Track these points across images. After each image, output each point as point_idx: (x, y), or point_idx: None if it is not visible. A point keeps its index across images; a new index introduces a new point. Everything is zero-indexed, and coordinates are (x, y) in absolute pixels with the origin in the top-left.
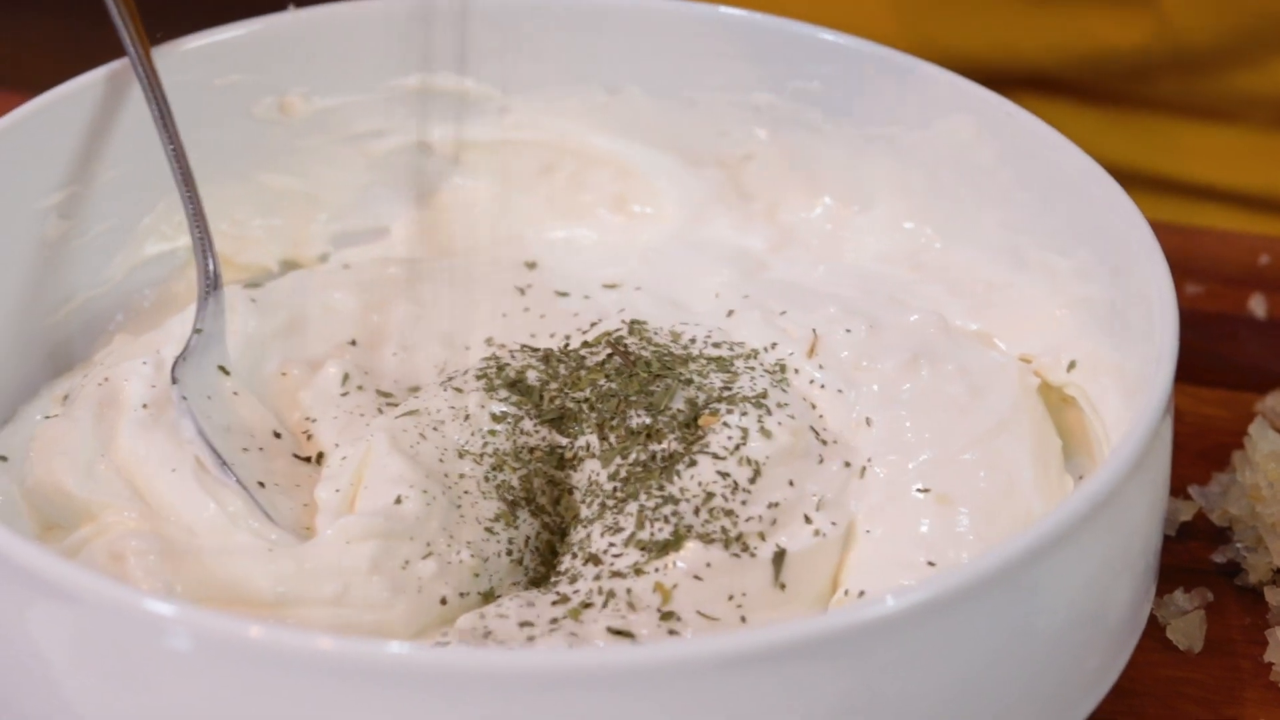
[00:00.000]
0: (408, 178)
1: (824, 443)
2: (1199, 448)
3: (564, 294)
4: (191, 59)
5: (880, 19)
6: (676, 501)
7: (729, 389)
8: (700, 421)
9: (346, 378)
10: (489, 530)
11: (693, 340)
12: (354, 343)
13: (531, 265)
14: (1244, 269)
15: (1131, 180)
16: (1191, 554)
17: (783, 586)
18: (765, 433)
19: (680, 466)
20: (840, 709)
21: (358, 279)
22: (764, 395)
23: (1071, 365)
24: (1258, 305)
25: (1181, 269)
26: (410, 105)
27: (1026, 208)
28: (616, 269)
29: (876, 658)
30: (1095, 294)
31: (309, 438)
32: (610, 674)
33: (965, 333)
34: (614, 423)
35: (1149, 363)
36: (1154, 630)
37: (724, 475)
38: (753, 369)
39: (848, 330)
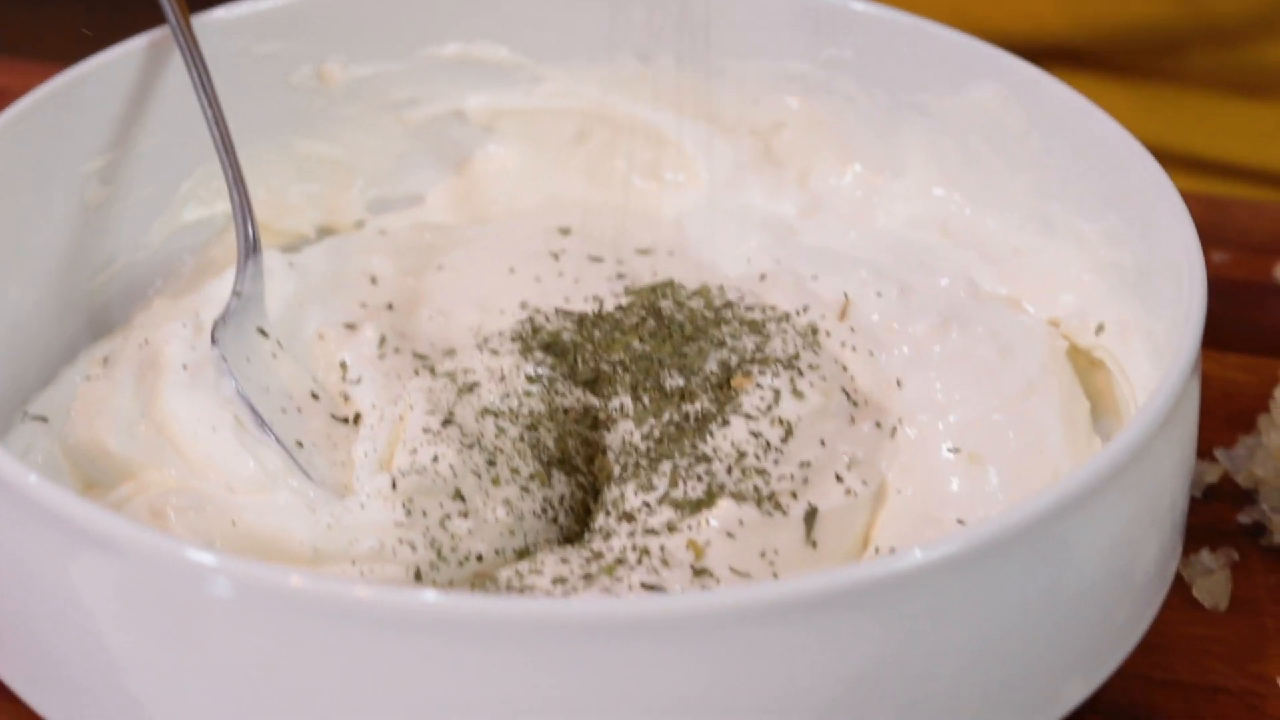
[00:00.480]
0: (443, 145)
1: (855, 404)
2: (1225, 412)
3: (598, 259)
4: (231, 28)
5: None
6: (709, 460)
7: (761, 351)
8: (733, 383)
9: (384, 340)
10: (524, 489)
11: (726, 304)
12: (390, 307)
13: (565, 231)
14: (1272, 238)
15: (1160, 157)
16: (1217, 515)
17: (814, 544)
18: (797, 393)
19: (713, 426)
20: (870, 660)
21: (394, 244)
22: (796, 357)
23: (1100, 329)
24: None
25: (1209, 237)
26: (446, 74)
27: (1055, 173)
28: (650, 235)
29: (905, 609)
30: (1123, 258)
31: (346, 399)
32: (641, 623)
33: (994, 297)
34: (648, 384)
35: (1177, 324)
36: (1181, 589)
37: (756, 435)
38: (785, 331)
39: (878, 294)
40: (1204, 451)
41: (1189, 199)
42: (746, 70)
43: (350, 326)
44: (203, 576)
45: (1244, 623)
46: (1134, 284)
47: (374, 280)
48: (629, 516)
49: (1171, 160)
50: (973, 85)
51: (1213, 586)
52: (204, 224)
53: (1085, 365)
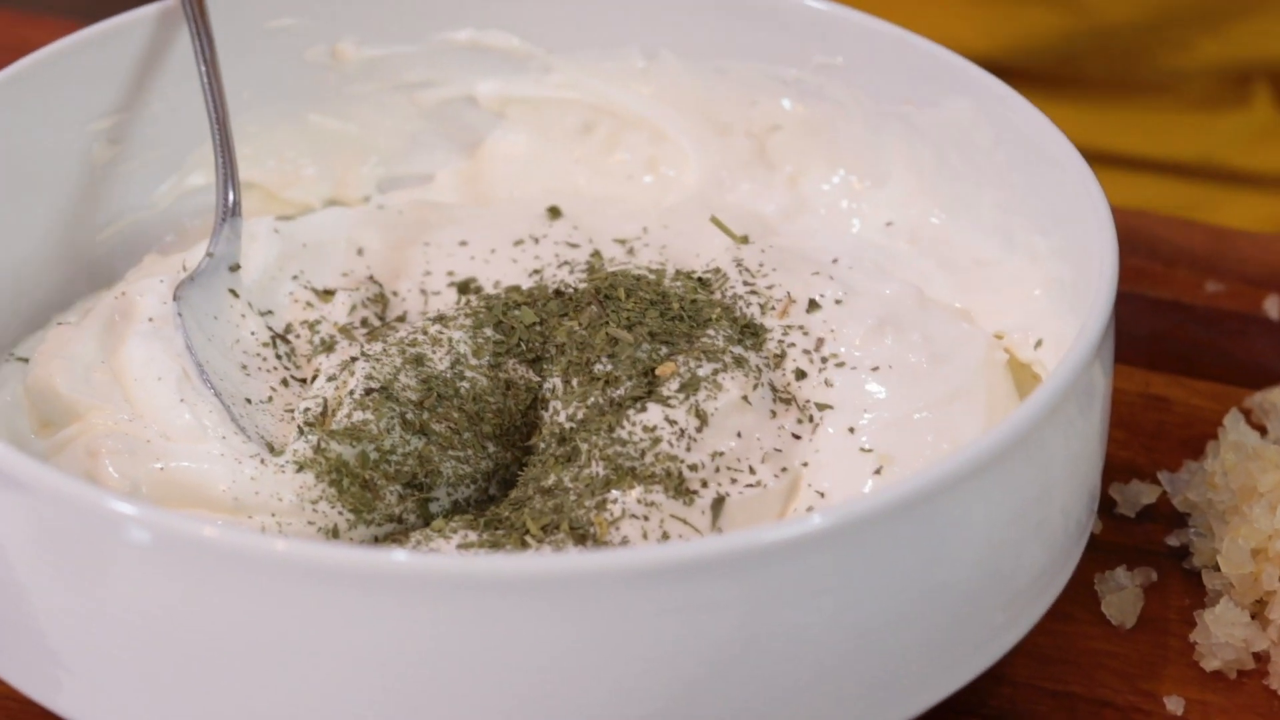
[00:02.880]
0: (454, 128)
1: (782, 400)
2: (1181, 437)
3: (575, 245)
4: (247, 2)
5: None
6: (624, 443)
7: (692, 342)
8: (657, 371)
9: (354, 309)
10: (457, 459)
11: (670, 295)
12: (371, 278)
13: (556, 213)
14: (1269, 270)
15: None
16: (1147, 536)
17: (720, 531)
18: (716, 385)
19: (631, 411)
20: (734, 632)
21: (386, 219)
22: (723, 350)
23: (1039, 344)
24: (1272, 306)
25: (1206, 266)
26: (459, 59)
27: (1017, 189)
28: (633, 226)
29: (769, 583)
30: (1065, 274)
31: (309, 361)
32: (510, 581)
33: (943, 306)
34: (579, 368)
35: (1081, 331)
36: (1091, 603)
37: (671, 422)
38: (721, 325)
39: (822, 295)
40: (1147, 474)
41: (1191, 227)
42: (746, 72)
43: (326, 293)
44: (116, 523)
45: (1147, 641)
46: (1070, 299)
47: (360, 251)
48: (545, 492)
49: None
50: (949, 99)
51: (1121, 603)
52: (211, 189)
53: (1028, 379)
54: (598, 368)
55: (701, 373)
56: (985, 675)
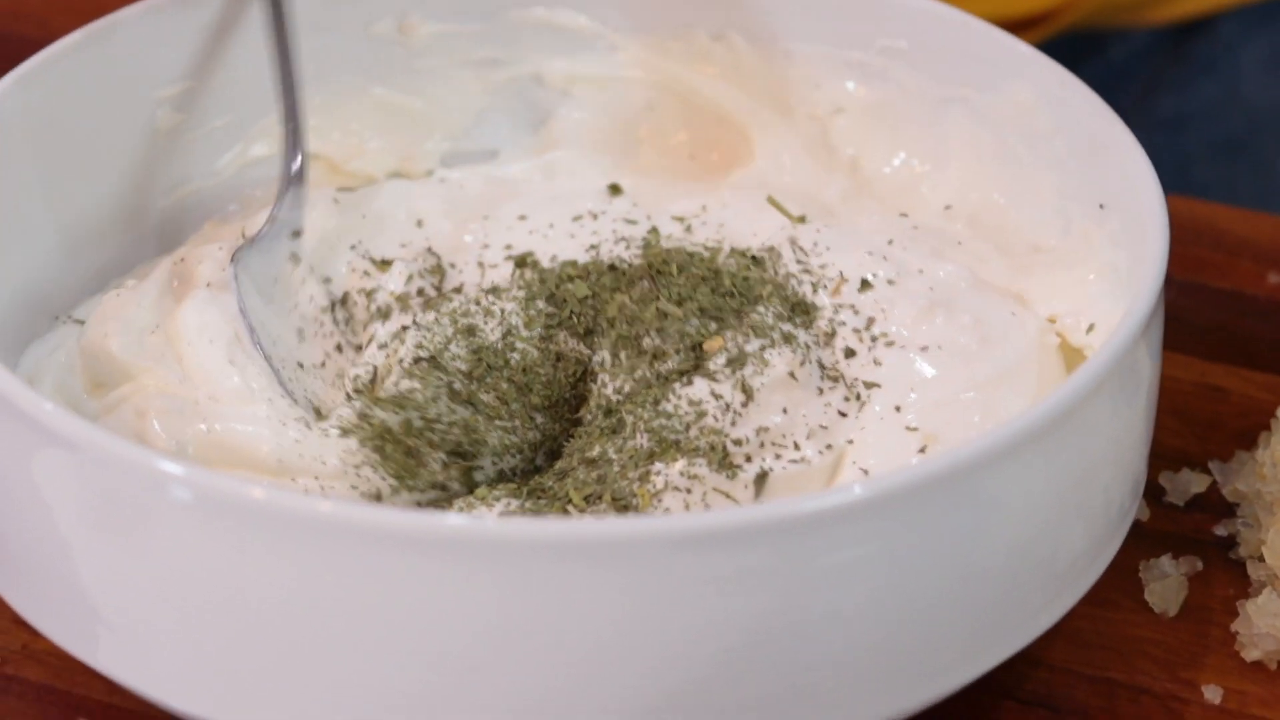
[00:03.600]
0: (520, 106)
1: (830, 378)
2: (1237, 427)
3: (633, 221)
4: None
5: None
6: (670, 416)
7: (742, 318)
8: (705, 346)
9: (410, 279)
10: (504, 430)
11: (721, 272)
12: (430, 249)
13: (616, 190)
14: None
15: None
16: (1195, 525)
17: None
18: (763, 360)
19: (678, 385)
20: (774, 601)
21: (447, 192)
22: (772, 326)
23: (1090, 328)
24: None
25: (1270, 259)
26: (526, 37)
27: (1076, 174)
28: (691, 203)
29: (808, 552)
30: (1119, 260)
31: (365, 328)
32: (554, 545)
33: (996, 289)
34: (629, 341)
35: (1128, 314)
36: (1135, 590)
37: (717, 396)
38: (772, 302)
39: (874, 274)
40: (1199, 463)
41: (1254, 217)
42: (811, 54)
43: (384, 263)
44: (161, 482)
45: (1189, 630)
46: (1124, 285)
47: (420, 223)
48: (590, 463)
49: None
50: (1009, 83)
51: (1165, 591)
52: (274, 160)
53: (1080, 363)
54: (646, 341)
55: (749, 349)
56: (1023, 658)
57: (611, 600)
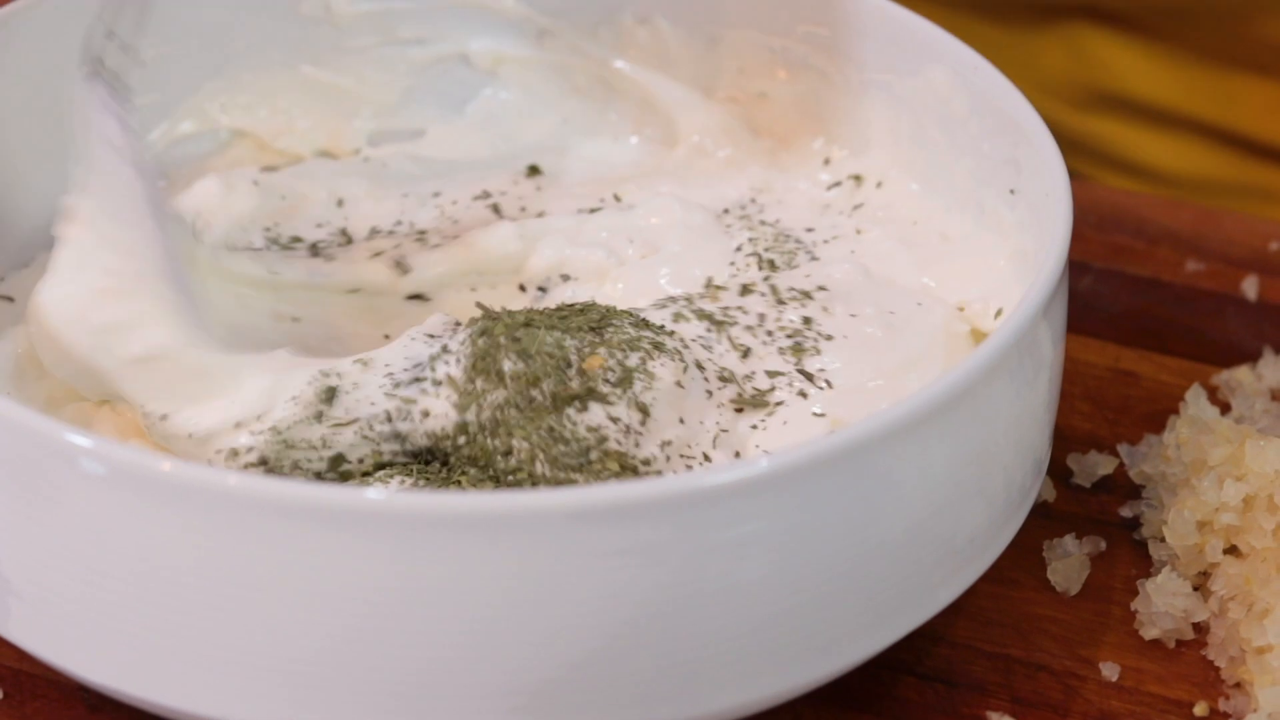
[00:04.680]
0: (446, 85)
1: (721, 379)
2: (1147, 411)
3: (541, 215)
4: None
5: None
6: (567, 442)
7: (613, 330)
8: (584, 366)
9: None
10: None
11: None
12: (344, 231)
13: (535, 171)
14: (1252, 252)
15: (1189, 126)
16: (1101, 506)
17: None
18: (649, 374)
19: (571, 411)
20: (670, 575)
21: (369, 170)
22: (636, 338)
23: (998, 313)
24: (1250, 287)
25: (1190, 246)
26: (453, 18)
27: (989, 159)
28: (605, 192)
29: (706, 526)
30: (1028, 245)
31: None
32: (452, 517)
33: (904, 277)
34: (483, 364)
35: (1025, 296)
36: (1038, 569)
37: (615, 420)
38: (642, 310)
39: (771, 265)
40: (1108, 446)
41: (1175, 205)
42: (736, 39)
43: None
44: (70, 454)
45: (1089, 609)
46: (1032, 270)
47: (340, 202)
48: (480, 468)
49: (1200, 130)
50: (927, 68)
51: (1066, 570)
52: (206, 136)
53: None
54: (507, 365)
55: (630, 363)
56: (924, 634)
57: (507, 572)
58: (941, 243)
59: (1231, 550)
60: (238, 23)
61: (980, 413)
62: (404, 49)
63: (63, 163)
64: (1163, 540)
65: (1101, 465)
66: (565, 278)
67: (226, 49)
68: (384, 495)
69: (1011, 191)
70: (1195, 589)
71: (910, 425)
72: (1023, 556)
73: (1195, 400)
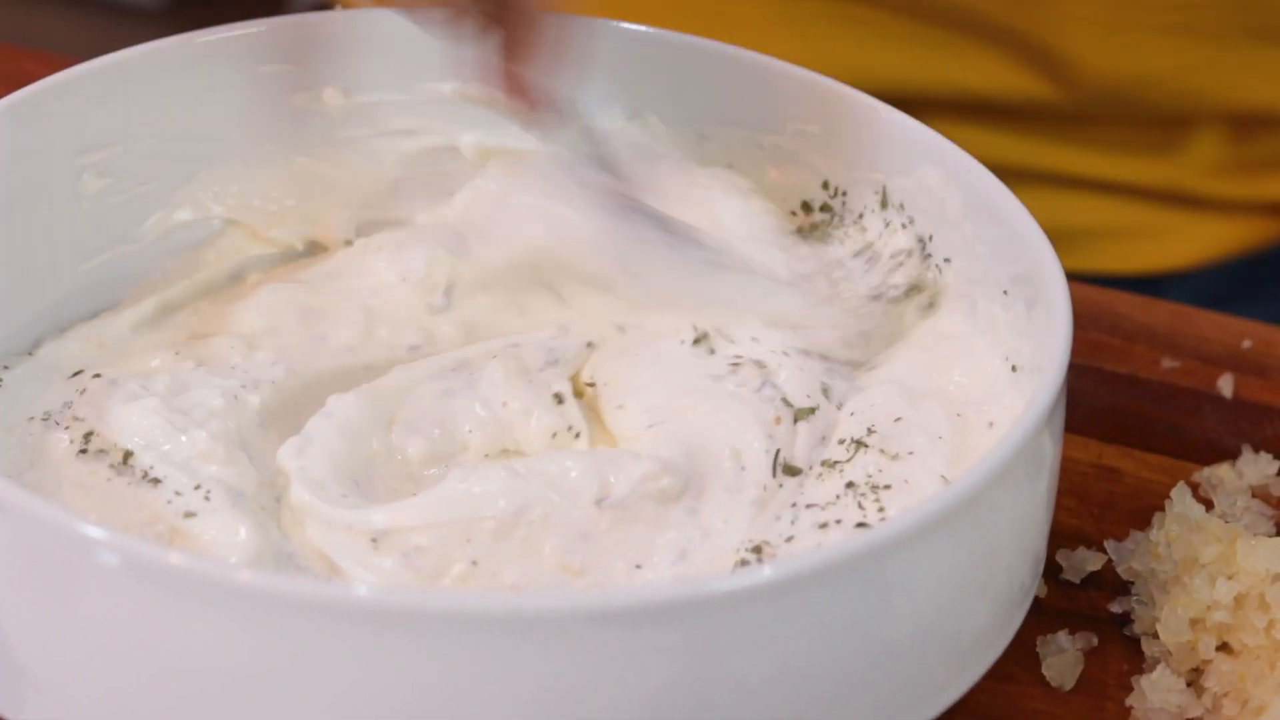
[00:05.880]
0: (435, 176)
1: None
2: (1132, 507)
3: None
4: (235, 46)
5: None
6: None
7: None
8: None
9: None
10: None
11: None
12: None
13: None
14: (1226, 349)
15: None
16: (1091, 602)
17: None
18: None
19: None
20: (674, 677)
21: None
22: None
23: (990, 425)
24: (1225, 385)
25: (1165, 343)
26: (443, 110)
27: (980, 260)
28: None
29: (711, 632)
30: (1022, 348)
31: None
32: (462, 618)
33: (907, 379)
34: None
35: (1030, 403)
36: (1033, 665)
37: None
38: None
39: (798, 366)
40: (1094, 542)
41: (1150, 305)
42: (725, 136)
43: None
44: (85, 546)
45: (1084, 703)
46: (1028, 374)
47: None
48: None
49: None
50: (920, 168)
51: (1061, 665)
52: (199, 224)
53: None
54: None
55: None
56: None
57: (524, 673)
58: (937, 343)
59: (1224, 647)
60: (232, 113)
61: (988, 517)
62: (394, 139)
63: (57, 260)
64: (1156, 637)
65: (1090, 561)
66: None
67: (219, 139)
68: (405, 595)
69: (1005, 293)
70: (1189, 685)
71: (920, 532)
72: (1017, 652)
73: (1181, 498)
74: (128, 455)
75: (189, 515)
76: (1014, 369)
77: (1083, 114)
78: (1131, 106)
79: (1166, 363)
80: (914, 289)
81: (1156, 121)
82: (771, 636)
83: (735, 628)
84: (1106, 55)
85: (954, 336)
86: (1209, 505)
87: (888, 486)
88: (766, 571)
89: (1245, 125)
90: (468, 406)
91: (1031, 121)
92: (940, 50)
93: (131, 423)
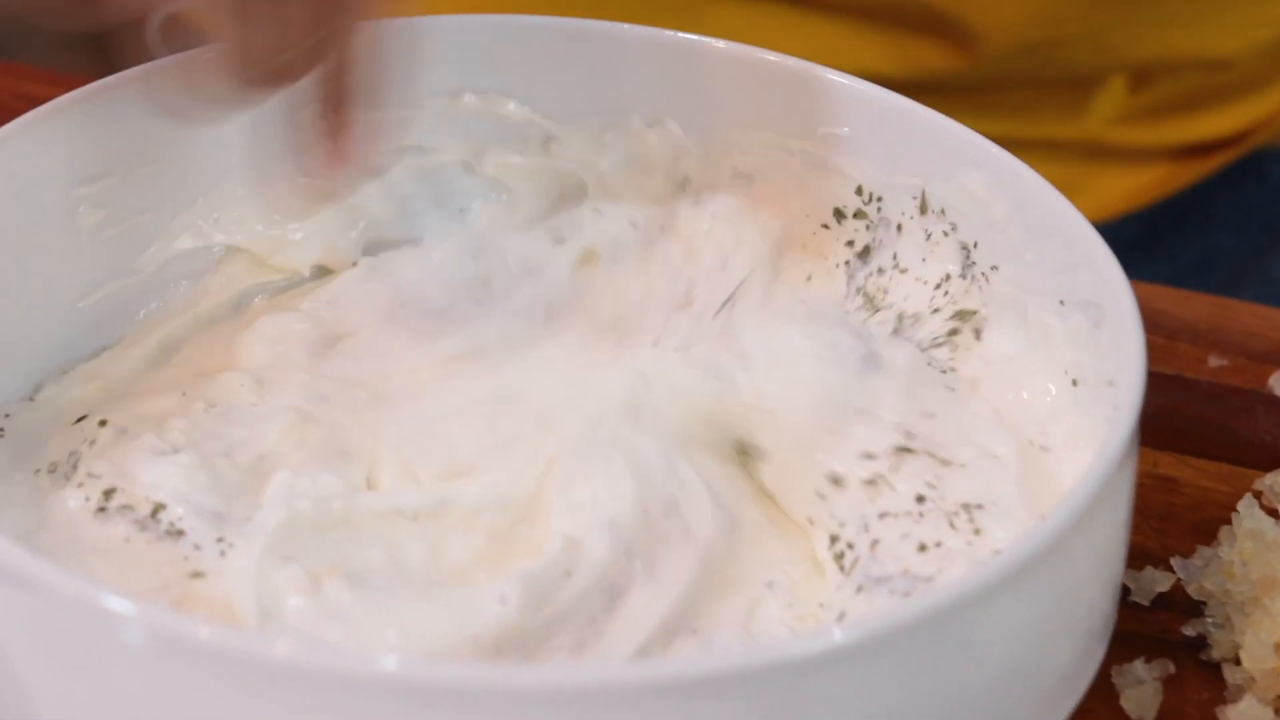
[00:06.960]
0: (445, 193)
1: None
2: (1193, 520)
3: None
4: None
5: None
6: None
7: None
8: None
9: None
10: None
11: None
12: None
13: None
14: (1272, 344)
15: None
16: (1162, 625)
17: None
18: None
19: None
20: None
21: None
22: None
23: (1045, 444)
24: (1277, 383)
25: (1210, 340)
26: (457, 124)
27: (1031, 267)
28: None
29: (791, 699)
30: (1083, 359)
31: None
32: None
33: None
34: None
35: (1112, 428)
36: (1110, 696)
37: None
38: None
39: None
40: (1160, 559)
41: (1194, 299)
42: (750, 142)
43: None
44: (109, 621)
45: None
46: (1090, 386)
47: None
48: None
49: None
50: (962, 172)
51: (1141, 697)
52: (201, 253)
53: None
54: None
55: None
56: None
57: None
58: (979, 344)
59: None
60: (232, 134)
61: (1074, 553)
62: (405, 156)
63: (55, 294)
64: (1238, 663)
65: (1159, 582)
66: None
67: (220, 162)
68: (444, 670)
69: (1061, 303)
70: (1277, 714)
71: (1001, 584)
72: (1092, 685)
73: (1250, 512)
74: (158, 509)
75: (196, 576)
76: (1074, 383)
77: (990, 82)
78: (1040, 70)
79: (1213, 361)
80: (960, 315)
81: (1064, 82)
82: (843, 701)
83: (810, 694)
84: (1016, 24)
85: (1006, 359)
86: (1275, 514)
87: (980, 505)
88: (837, 636)
89: (1146, 73)
90: None
91: (942, 95)
92: (844, 36)
93: (160, 480)
